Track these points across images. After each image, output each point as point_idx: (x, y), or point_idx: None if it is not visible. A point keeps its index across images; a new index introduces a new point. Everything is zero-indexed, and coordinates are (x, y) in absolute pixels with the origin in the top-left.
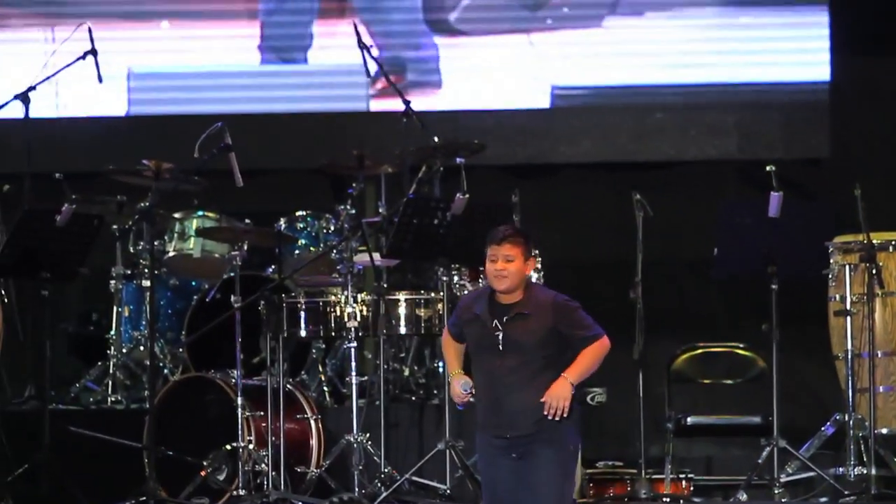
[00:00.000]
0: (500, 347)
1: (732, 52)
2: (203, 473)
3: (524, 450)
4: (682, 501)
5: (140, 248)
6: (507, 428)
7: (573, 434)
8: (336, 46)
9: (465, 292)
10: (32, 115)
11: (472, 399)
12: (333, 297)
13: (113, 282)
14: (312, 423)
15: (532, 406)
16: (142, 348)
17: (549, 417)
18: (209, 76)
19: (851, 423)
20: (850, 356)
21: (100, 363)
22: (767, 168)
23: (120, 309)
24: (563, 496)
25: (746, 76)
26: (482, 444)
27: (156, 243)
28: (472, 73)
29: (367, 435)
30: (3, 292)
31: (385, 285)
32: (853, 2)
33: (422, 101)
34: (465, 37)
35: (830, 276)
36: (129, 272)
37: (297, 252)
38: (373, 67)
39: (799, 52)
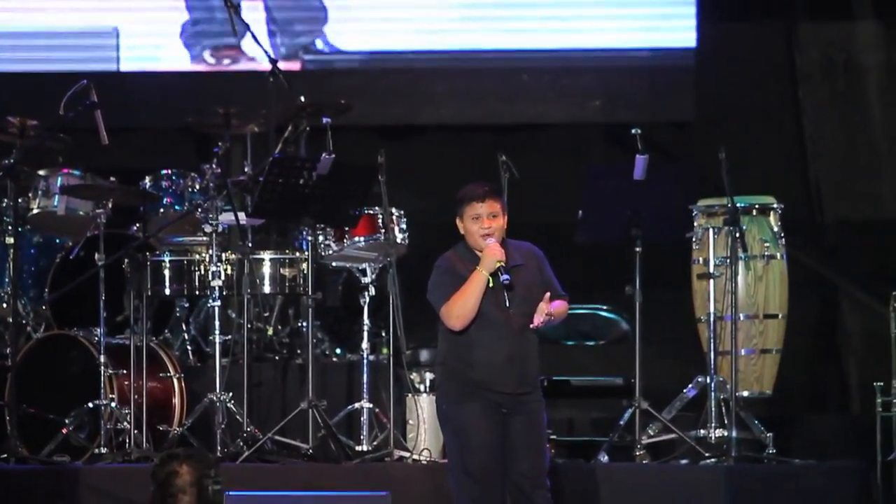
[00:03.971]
0: (507, 303)
1: (600, 16)
2: (65, 431)
3: (523, 407)
4: None
5: (3, 205)
6: (519, 384)
7: None
8: None
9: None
10: None
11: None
12: (198, 256)
13: None
14: (175, 381)
15: (535, 360)
16: (4, 305)
17: (535, 321)
18: (73, 36)
19: (713, 385)
20: (712, 319)
21: None
22: (633, 131)
23: None
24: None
25: (614, 41)
26: (474, 400)
27: (20, 200)
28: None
29: (230, 394)
30: None
31: (250, 244)
32: None
33: None
34: None
35: (694, 240)
36: None
37: (161, 210)
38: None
39: (665, 18)
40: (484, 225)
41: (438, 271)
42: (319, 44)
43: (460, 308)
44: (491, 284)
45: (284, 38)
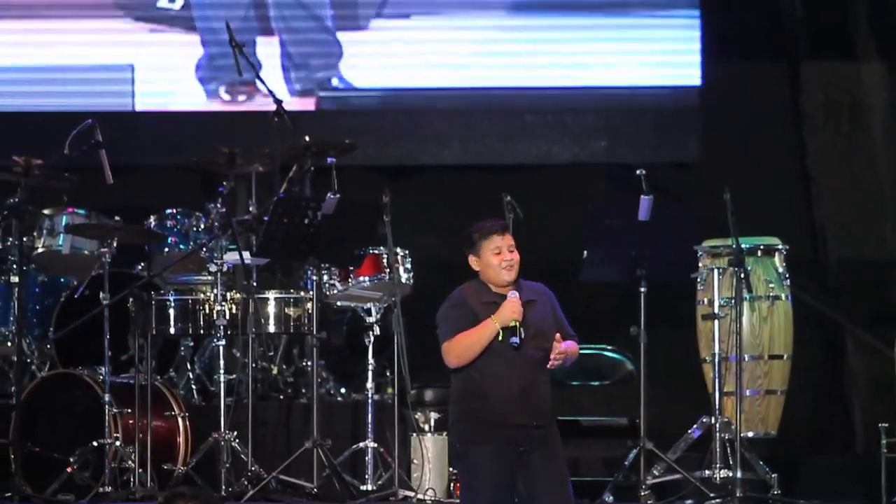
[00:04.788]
0: (521, 337)
1: (604, 55)
2: (69, 470)
3: (540, 442)
4: None
5: (8, 243)
6: (534, 417)
7: None
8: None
9: (333, 289)
10: None
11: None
12: (203, 295)
13: None
14: (180, 420)
15: (548, 394)
16: (9, 344)
17: (551, 363)
18: (78, 71)
19: (718, 426)
20: (717, 359)
21: None
22: (638, 171)
23: None
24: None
25: (617, 80)
26: (488, 441)
27: (24, 239)
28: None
29: (235, 433)
30: None
31: (255, 284)
32: (725, 7)
33: None
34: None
35: (699, 280)
36: None
37: (166, 250)
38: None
39: (670, 56)
40: (506, 257)
41: (450, 303)
42: (335, 80)
43: (462, 351)
44: (500, 338)
45: (300, 75)
